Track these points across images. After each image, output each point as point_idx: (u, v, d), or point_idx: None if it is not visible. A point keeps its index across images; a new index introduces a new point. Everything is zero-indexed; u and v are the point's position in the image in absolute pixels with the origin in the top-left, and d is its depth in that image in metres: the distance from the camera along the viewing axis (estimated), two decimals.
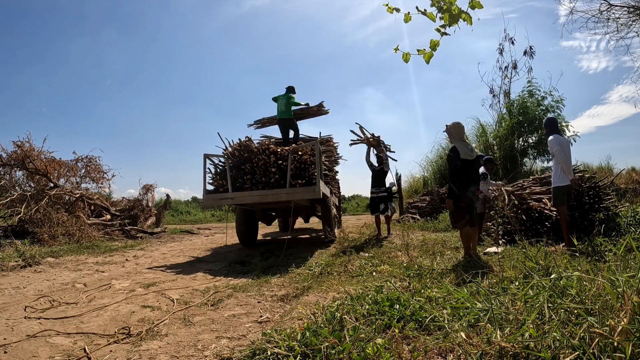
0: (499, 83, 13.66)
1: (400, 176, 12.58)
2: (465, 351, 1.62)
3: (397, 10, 2.48)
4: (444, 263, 4.00)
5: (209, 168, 6.51)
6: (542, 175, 6.38)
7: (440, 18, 2.44)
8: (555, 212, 5.00)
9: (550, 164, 12.31)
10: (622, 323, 1.41)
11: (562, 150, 4.49)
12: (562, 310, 1.74)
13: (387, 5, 2.47)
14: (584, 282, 1.99)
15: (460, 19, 2.41)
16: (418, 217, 10.83)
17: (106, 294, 3.58)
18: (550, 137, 4.63)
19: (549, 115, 11.87)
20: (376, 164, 7.49)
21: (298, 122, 7.93)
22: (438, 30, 2.48)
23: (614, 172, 10.98)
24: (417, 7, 2.42)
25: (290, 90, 7.82)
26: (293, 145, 6.69)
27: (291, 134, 7.78)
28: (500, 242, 5.27)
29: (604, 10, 8.13)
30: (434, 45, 2.51)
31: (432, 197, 11.54)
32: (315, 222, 12.44)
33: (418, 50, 2.55)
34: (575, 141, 11.57)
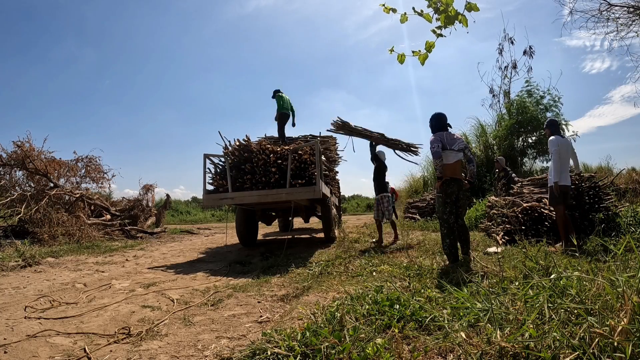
0: (498, 83, 13.69)
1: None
2: (465, 351, 1.62)
3: (394, 10, 2.47)
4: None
5: (208, 168, 6.51)
6: (540, 177, 6.37)
7: (437, 19, 2.43)
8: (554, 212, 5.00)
9: (549, 164, 12.37)
10: (622, 323, 1.41)
11: (557, 152, 4.54)
12: (562, 310, 1.74)
13: (383, 5, 2.46)
14: (584, 282, 1.99)
15: (457, 21, 2.41)
16: (418, 217, 10.82)
17: (106, 294, 3.58)
18: (551, 138, 4.70)
19: (548, 114, 11.88)
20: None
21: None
22: (434, 31, 2.47)
23: (614, 172, 10.97)
24: (413, 8, 2.41)
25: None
26: (293, 145, 6.69)
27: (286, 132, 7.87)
28: (500, 242, 5.27)
29: (603, 10, 8.13)
30: (429, 47, 2.51)
31: (433, 197, 11.52)
32: (315, 222, 12.44)
33: (413, 52, 2.55)
34: (575, 141, 11.58)
